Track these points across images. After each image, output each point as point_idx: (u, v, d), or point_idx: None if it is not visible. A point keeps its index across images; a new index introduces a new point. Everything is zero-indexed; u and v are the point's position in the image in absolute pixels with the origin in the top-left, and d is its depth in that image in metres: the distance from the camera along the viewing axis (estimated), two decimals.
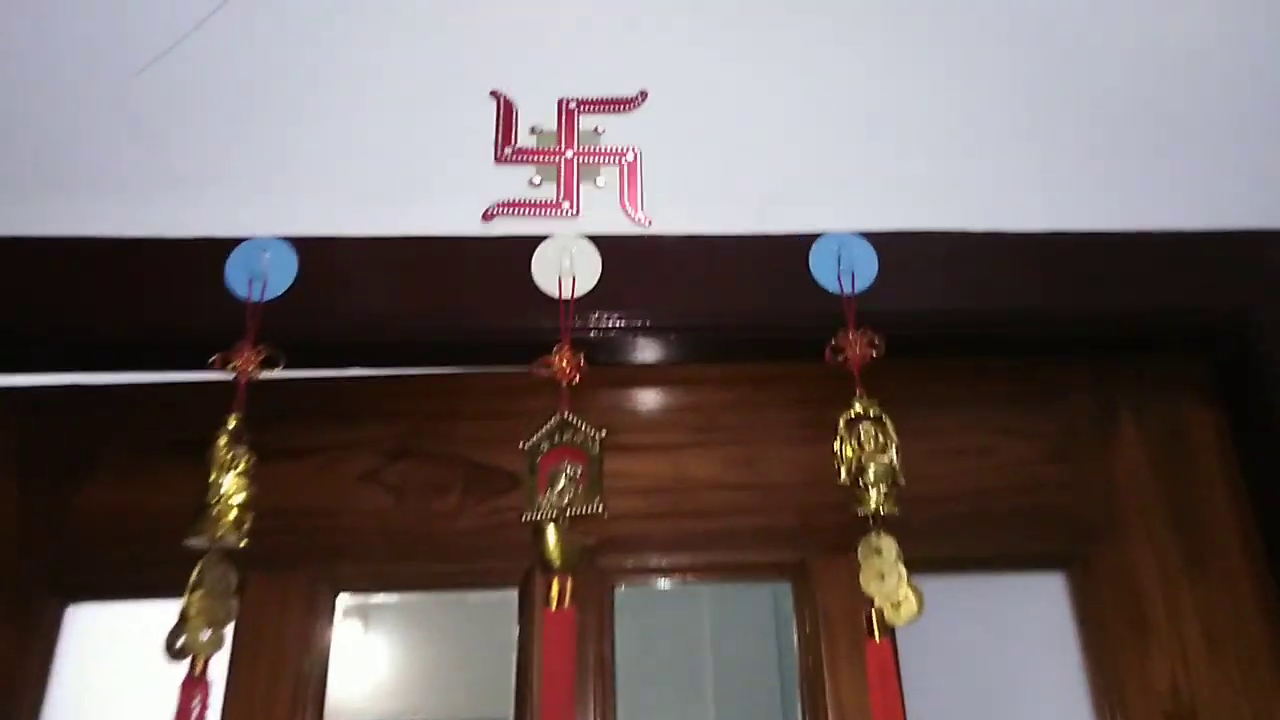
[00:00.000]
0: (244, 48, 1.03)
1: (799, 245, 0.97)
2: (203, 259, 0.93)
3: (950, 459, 1.00)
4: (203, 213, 0.95)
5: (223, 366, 0.87)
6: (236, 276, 0.93)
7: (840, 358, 0.91)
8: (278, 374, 0.88)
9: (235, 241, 0.94)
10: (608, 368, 0.99)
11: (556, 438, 0.86)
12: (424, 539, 0.97)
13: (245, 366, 0.88)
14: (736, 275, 0.96)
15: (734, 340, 0.97)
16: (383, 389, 1.02)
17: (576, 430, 0.86)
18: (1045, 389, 1.04)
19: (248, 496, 0.82)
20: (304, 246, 0.94)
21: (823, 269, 0.96)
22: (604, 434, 0.86)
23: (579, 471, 0.84)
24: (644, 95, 1.03)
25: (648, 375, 1.02)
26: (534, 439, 0.86)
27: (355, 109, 1.01)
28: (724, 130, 1.02)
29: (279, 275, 0.93)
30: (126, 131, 0.97)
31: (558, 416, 0.87)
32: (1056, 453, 1.01)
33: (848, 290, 0.95)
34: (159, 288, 0.93)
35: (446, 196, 0.97)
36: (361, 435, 1.00)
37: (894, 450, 0.84)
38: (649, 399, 1.02)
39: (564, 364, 0.89)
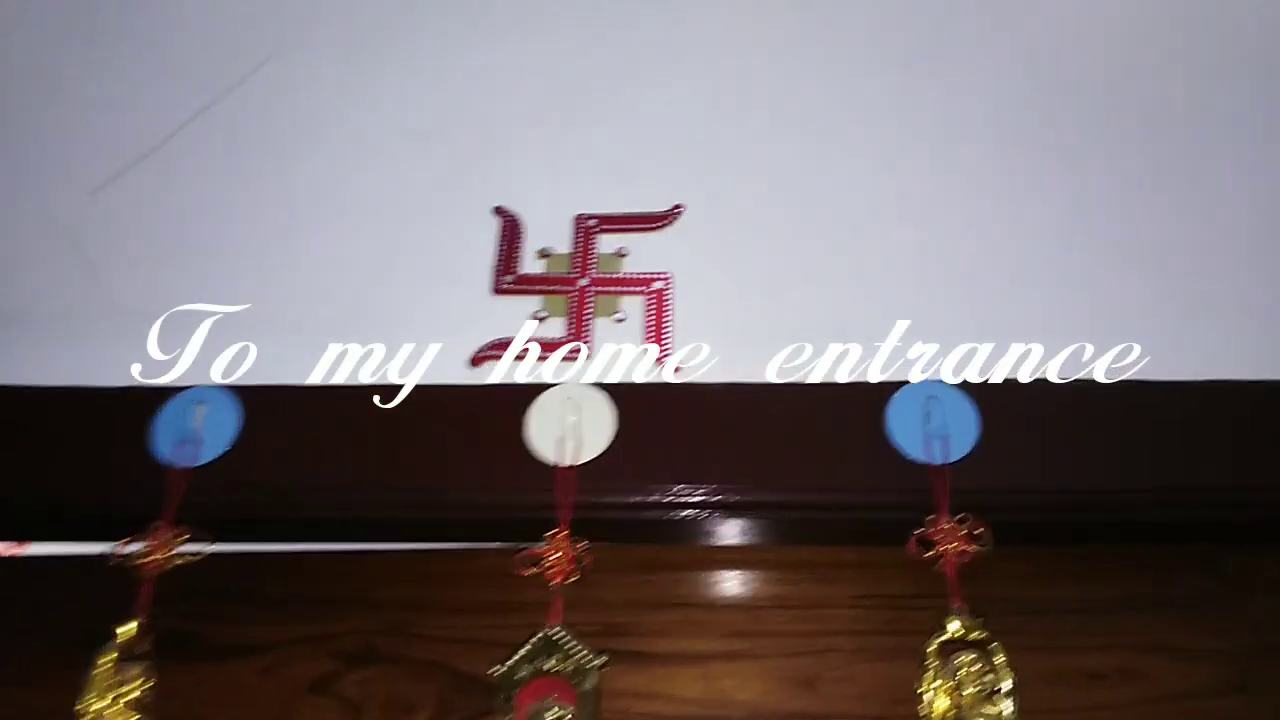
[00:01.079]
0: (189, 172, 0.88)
1: (874, 398, 0.74)
2: (127, 412, 0.76)
3: (1081, 687, 0.74)
4: (128, 356, 0.78)
5: (121, 558, 0.69)
6: (165, 435, 0.75)
7: (930, 554, 0.68)
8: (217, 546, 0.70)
9: (166, 392, 0.77)
10: (620, 549, 0.77)
11: (540, 662, 0.64)
12: None
13: (155, 553, 0.69)
14: (791, 436, 0.74)
15: (787, 520, 0.75)
16: (346, 568, 0.82)
17: (566, 654, 0.64)
18: (1215, 589, 0.77)
19: None
20: (249, 398, 0.76)
21: (905, 430, 0.73)
22: (604, 661, 0.64)
23: (567, 716, 0.61)
24: (678, 210, 0.84)
25: (672, 559, 0.79)
26: (508, 664, 0.64)
27: (323, 231, 0.85)
28: (775, 253, 0.82)
29: (216, 433, 0.75)
30: (51, 260, 0.82)
31: (543, 633, 0.65)
32: (1236, 680, 0.74)
33: (939, 458, 0.72)
34: (72, 446, 0.76)
35: (428, 336, 0.79)
36: (316, 629, 0.79)
37: (1008, 701, 0.60)
38: (674, 590, 0.79)
39: (557, 557, 0.68)
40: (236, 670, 0.78)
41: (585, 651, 0.64)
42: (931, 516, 0.69)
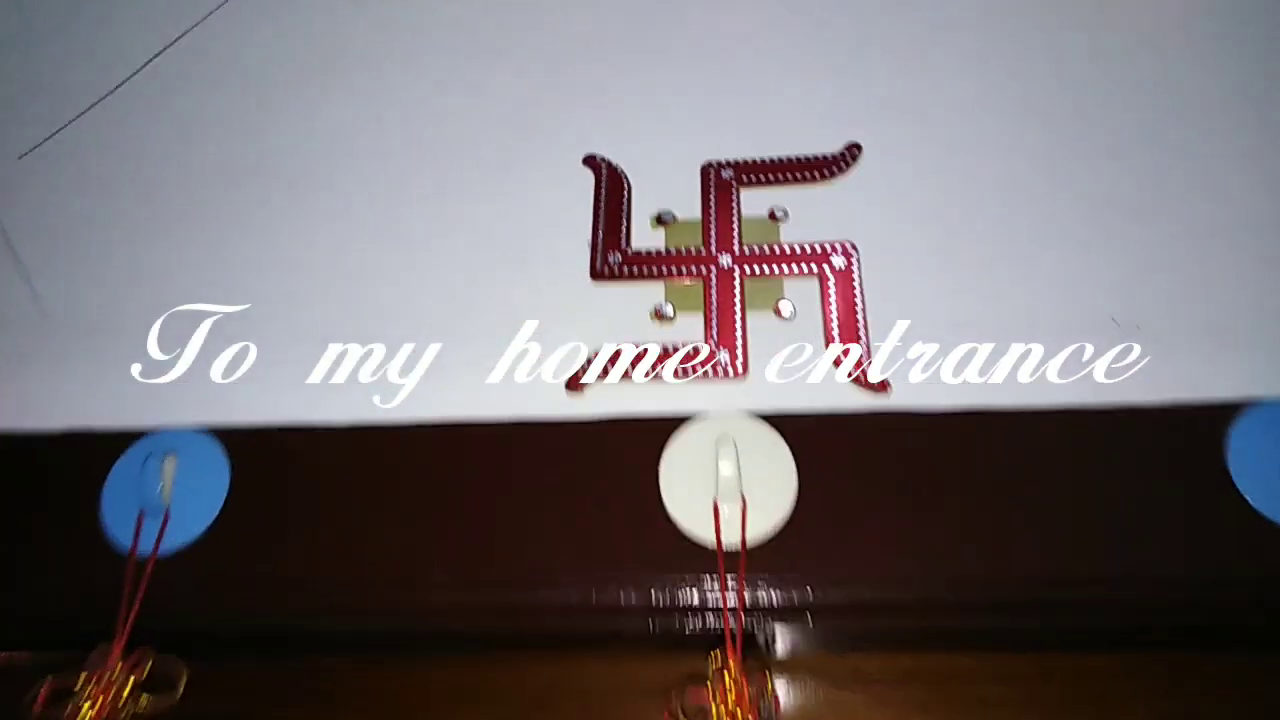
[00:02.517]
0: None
1: (1204, 425, 0.48)
2: (63, 468, 0.52)
3: None
4: (66, 387, 0.53)
5: (47, 703, 0.44)
6: (118, 504, 0.50)
7: None
8: None
9: (121, 439, 0.52)
10: (809, 677, 0.51)
11: None
12: None
13: (100, 696, 0.45)
14: (1068, 491, 0.47)
15: (1090, 621, 0.48)
16: (400, 684, 0.56)
17: None
18: None
19: None
20: (244, 444, 0.51)
21: (1258, 475, 0.47)
22: None
23: None
24: (855, 151, 0.58)
25: (896, 691, 0.53)
26: None
27: (339, 199, 0.59)
28: (1007, 192, 0.55)
29: (194, 500, 0.50)
30: None
31: None
32: None
33: None
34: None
35: (499, 345, 0.53)
36: None
37: None
38: None
39: (728, 696, 0.42)
40: None
41: None
42: None
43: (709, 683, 0.43)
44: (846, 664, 0.50)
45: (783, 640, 0.49)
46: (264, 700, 0.51)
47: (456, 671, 0.51)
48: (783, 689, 0.50)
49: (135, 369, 0.53)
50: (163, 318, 0.55)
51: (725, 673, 0.42)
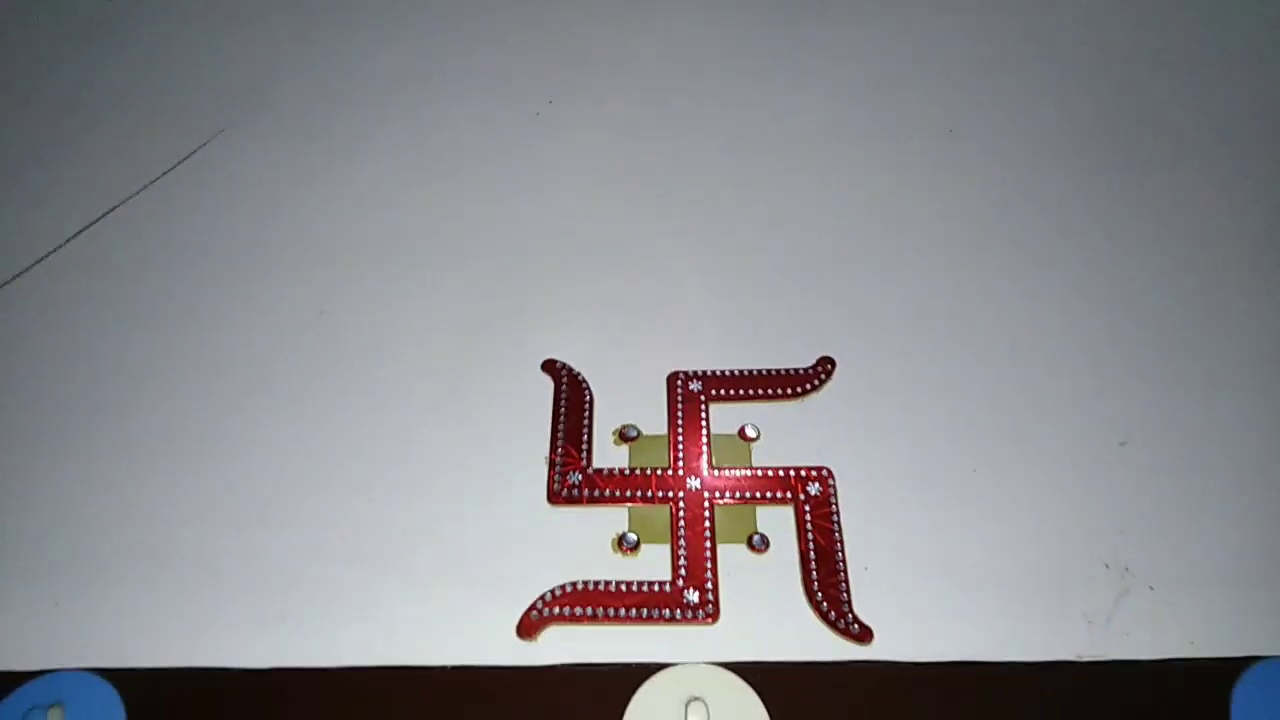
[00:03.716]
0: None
1: (1206, 680, 0.44)
2: None
3: None
4: None
5: None
6: None
7: None
8: None
9: (3, 682, 0.45)
10: None
11: None
12: None
13: None
14: None
15: None
16: None
17: None
18: None
19: None
20: (140, 688, 0.45)
21: None
22: None
23: None
24: (829, 365, 0.55)
25: None
26: None
27: (270, 415, 0.54)
28: (992, 418, 0.53)
29: None
30: None
31: None
32: None
33: None
34: None
35: (444, 580, 0.48)
36: None
37: None
38: None
39: None
40: None
41: None
42: None
43: None
44: None
45: None
46: None
47: None
48: None
49: (14, 600, 0.47)
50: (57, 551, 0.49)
51: None
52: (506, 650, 0.45)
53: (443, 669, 0.45)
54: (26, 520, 0.50)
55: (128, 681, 0.45)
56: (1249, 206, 0.61)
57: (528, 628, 0.46)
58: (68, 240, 0.59)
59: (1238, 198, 0.62)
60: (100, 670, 0.45)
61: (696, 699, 0.43)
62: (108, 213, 0.60)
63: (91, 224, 0.60)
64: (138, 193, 0.62)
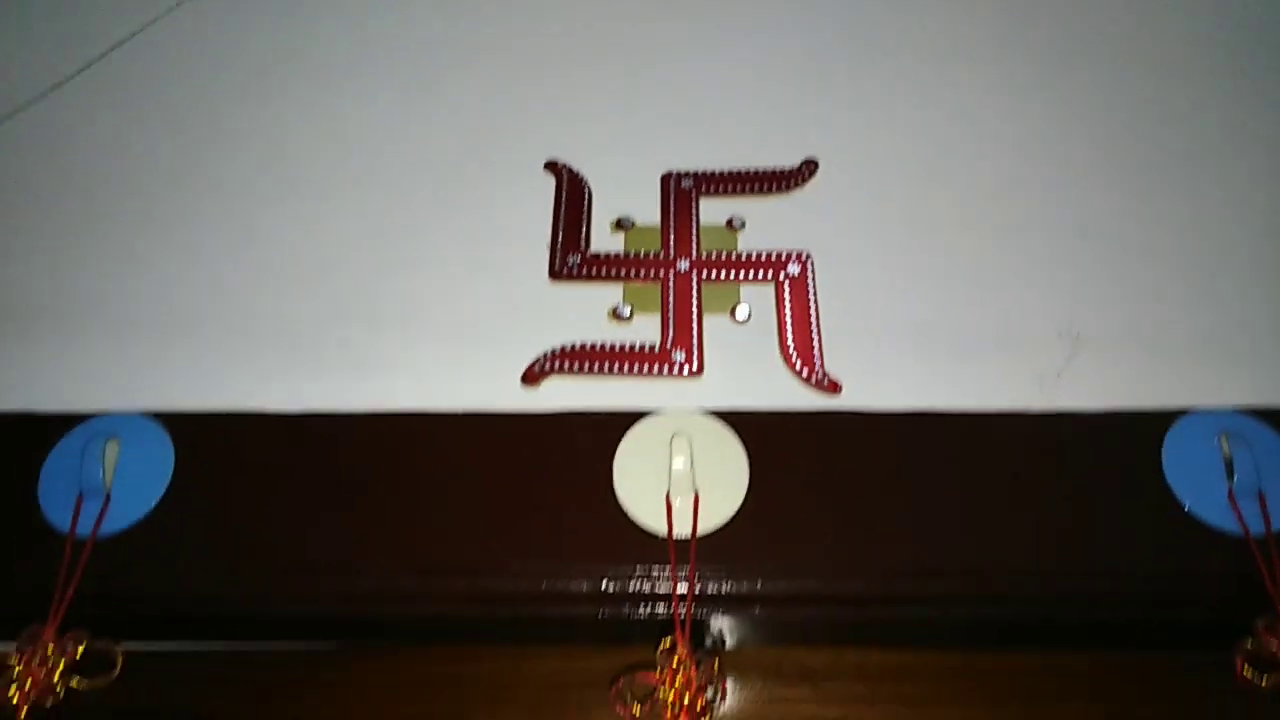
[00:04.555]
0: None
1: (1142, 429, 0.49)
2: (6, 450, 0.50)
3: None
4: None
5: None
6: (56, 488, 0.49)
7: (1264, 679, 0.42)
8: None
9: (57, 423, 0.51)
10: (755, 671, 0.51)
11: None
12: None
13: (31, 675, 0.43)
14: (1023, 493, 0.48)
15: (1018, 619, 0.48)
16: (335, 676, 0.55)
17: None
18: None
19: None
20: (188, 430, 0.51)
21: (1191, 479, 0.48)
22: None
23: None
24: (812, 166, 0.59)
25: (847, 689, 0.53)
26: None
27: (298, 193, 0.59)
28: (960, 208, 0.57)
29: (137, 484, 0.49)
30: None
31: None
32: None
33: (1255, 526, 0.46)
34: None
35: (457, 338, 0.53)
36: None
37: None
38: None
39: (678, 684, 0.42)
40: None
41: None
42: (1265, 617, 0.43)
43: (658, 668, 0.42)
44: (793, 658, 0.50)
45: (730, 632, 0.49)
46: (202, 687, 0.50)
47: (404, 664, 0.50)
48: (730, 683, 0.49)
49: (78, 352, 0.52)
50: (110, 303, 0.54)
51: (674, 656, 0.42)
52: (512, 398, 0.51)
53: (456, 414, 0.50)
54: (92, 283, 0.55)
55: (176, 422, 0.51)
56: None
57: (531, 377, 0.51)
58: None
59: None
60: (152, 413, 0.51)
61: (681, 437, 0.48)
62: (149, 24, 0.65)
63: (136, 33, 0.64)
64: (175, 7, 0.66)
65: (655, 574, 0.46)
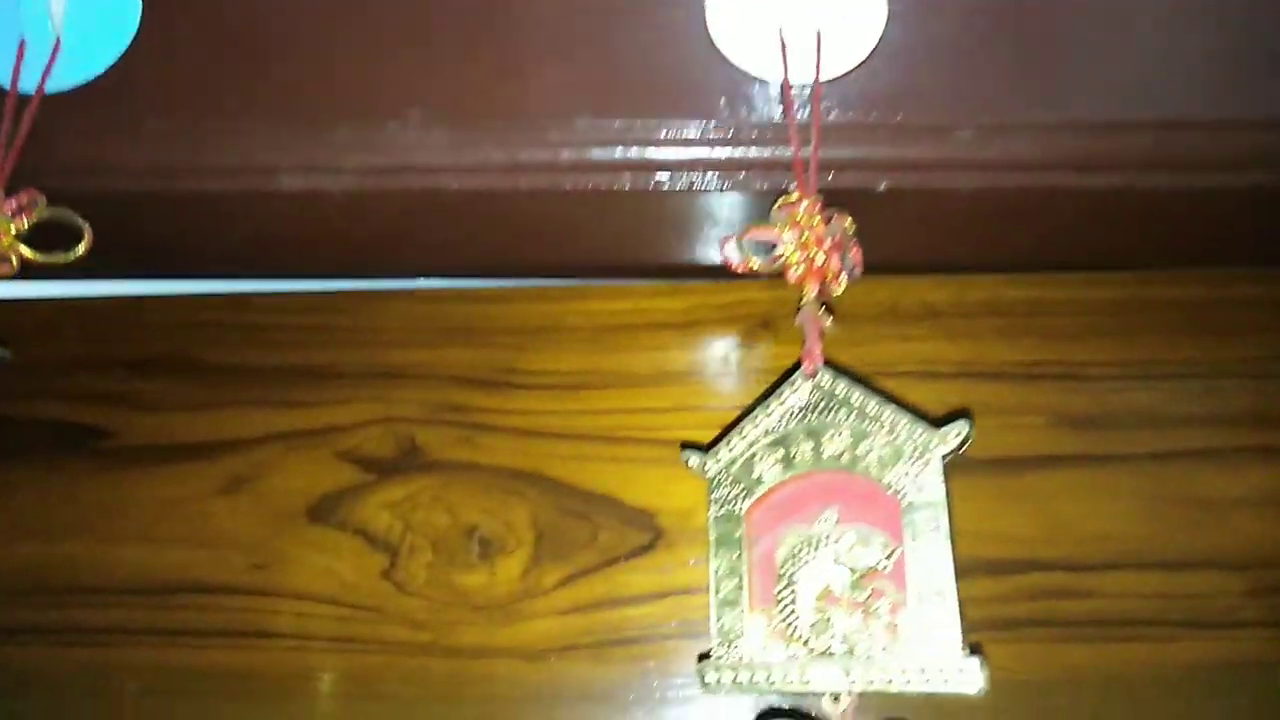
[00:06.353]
0: None
1: None
2: None
3: None
4: None
5: None
6: None
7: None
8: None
9: None
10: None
11: (797, 447, 0.30)
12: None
13: None
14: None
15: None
16: (361, 302, 0.46)
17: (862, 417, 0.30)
18: None
19: None
20: None
21: None
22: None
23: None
24: None
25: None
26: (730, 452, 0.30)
27: None
28: None
29: (95, 32, 0.38)
30: None
31: (808, 383, 0.30)
32: None
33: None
34: None
35: None
36: (316, 415, 0.45)
37: None
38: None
39: (804, 241, 0.32)
40: (167, 481, 0.44)
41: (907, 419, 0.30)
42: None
43: (774, 222, 0.33)
44: (913, 292, 0.41)
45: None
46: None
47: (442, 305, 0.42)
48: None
49: None
50: None
51: (797, 209, 0.32)
52: None
53: None
54: None
55: None
56: None
57: None
58: None
59: None
60: None
61: None
62: None
63: None
64: None
65: (767, 126, 0.35)
